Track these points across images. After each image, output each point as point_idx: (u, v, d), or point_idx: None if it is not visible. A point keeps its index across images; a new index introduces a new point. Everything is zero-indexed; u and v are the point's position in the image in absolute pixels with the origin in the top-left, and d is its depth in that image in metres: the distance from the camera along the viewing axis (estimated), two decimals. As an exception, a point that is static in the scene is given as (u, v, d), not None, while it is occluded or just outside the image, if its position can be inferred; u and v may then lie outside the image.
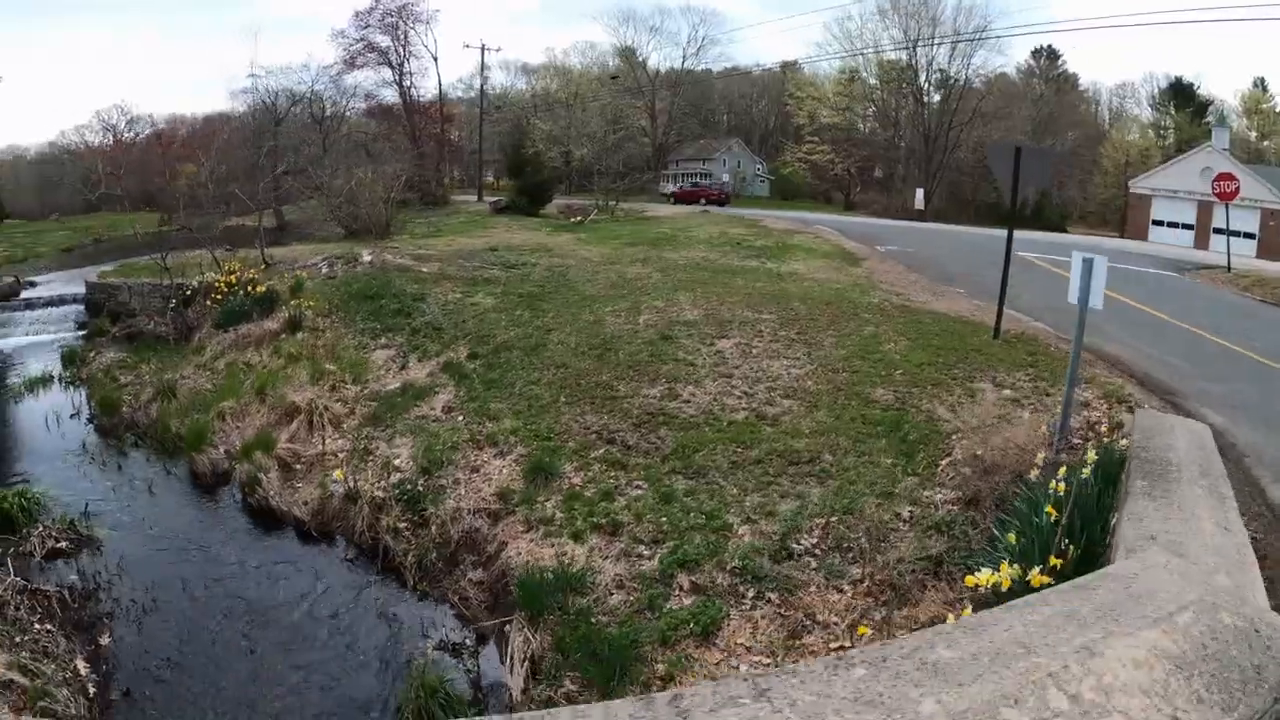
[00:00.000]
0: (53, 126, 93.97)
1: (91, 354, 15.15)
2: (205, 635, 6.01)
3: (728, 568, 5.51)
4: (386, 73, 36.60)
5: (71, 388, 13.40)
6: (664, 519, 6.40)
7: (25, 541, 7.06)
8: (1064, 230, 35.88)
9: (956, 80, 41.95)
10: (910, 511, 5.80)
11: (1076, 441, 5.91)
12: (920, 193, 39.32)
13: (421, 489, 8.37)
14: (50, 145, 33.68)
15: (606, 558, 6.43)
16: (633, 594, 5.75)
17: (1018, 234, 9.83)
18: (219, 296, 15.87)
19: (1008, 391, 7.67)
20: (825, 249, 17.27)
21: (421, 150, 35.79)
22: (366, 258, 17.85)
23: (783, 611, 5.07)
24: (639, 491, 7.12)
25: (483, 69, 54.24)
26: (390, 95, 37.17)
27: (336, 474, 8.79)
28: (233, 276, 16.49)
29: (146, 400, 12.20)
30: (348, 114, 38.76)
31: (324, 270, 17.68)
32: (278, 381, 12.00)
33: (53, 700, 4.61)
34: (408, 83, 36.32)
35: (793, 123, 52.70)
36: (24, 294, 19.32)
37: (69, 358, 15.01)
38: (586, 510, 7.00)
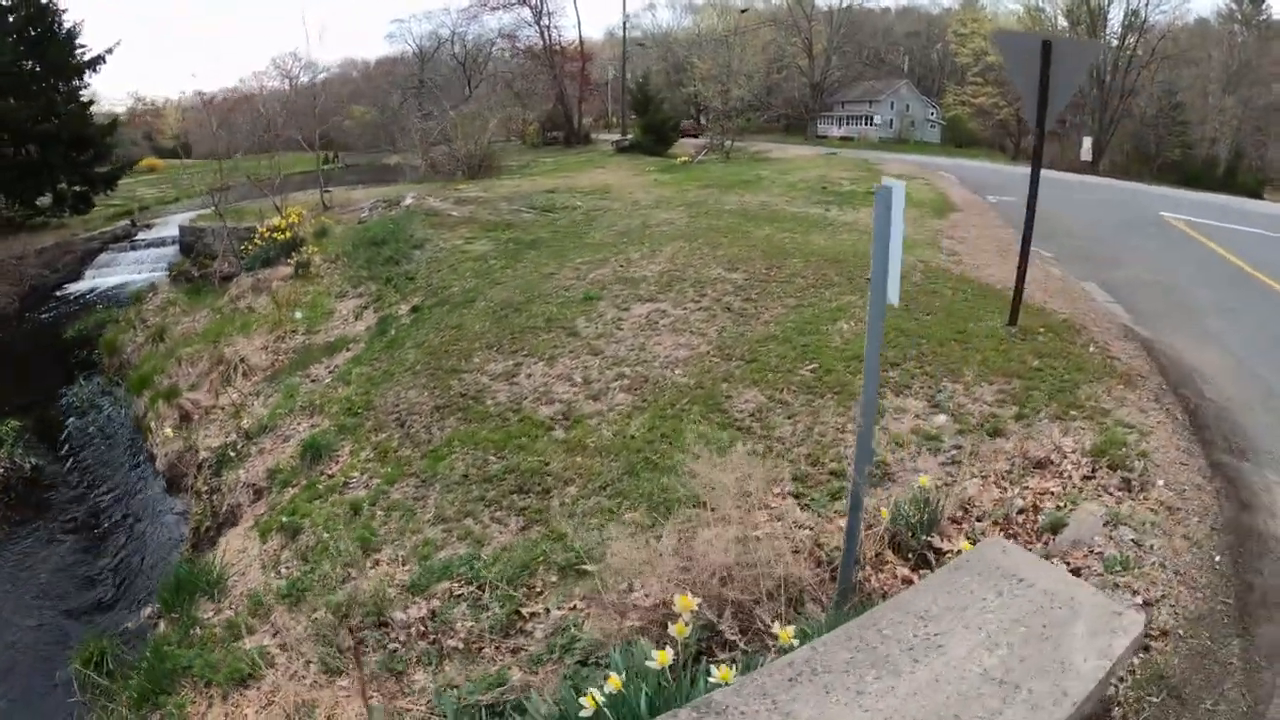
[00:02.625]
0: (233, 74, 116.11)
1: (150, 294, 18.66)
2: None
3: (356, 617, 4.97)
4: (526, 13, 40.16)
5: (116, 326, 16.60)
6: (364, 532, 6.00)
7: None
8: (1259, 196, 33.80)
9: (1146, 21, 43.02)
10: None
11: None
12: (1088, 142, 39.81)
13: (233, 454, 8.93)
14: (231, 91, 41.76)
15: (273, 565, 6.27)
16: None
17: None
18: (259, 241, 18.41)
19: (941, 419, 5.65)
20: (922, 198, 16.85)
21: (562, 90, 38.19)
22: (408, 201, 19.57)
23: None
24: (364, 492, 6.80)
25: (624, 6, 58.07)
26: (531, 35, 40.65)
27: (169, 431, 9.84)
28: (283, 221, 19.04)
29: (141, 342, 14.80)
30: (492, 55, 42.95)
31: (364, 214, 19.76)
32: (238, 329, 13.60)
33: None
34: (546, 22, 39.55)
35: (955, 61, 53.53)
36: (138, 236, 24.44)
37: (134, 297, 18.71)
38: (310, 503, 6.88)
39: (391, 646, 4.72)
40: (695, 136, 37.80)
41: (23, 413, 12.56)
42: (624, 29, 42.77)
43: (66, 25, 23.48)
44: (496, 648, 4.35)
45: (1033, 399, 5.76)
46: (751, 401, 6.39)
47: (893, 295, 3.09)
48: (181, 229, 22.72)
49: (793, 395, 6.38)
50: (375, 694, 4.35)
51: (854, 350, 7.08)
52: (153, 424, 10.90)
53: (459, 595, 4.90)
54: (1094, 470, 4.70)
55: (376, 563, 5.72)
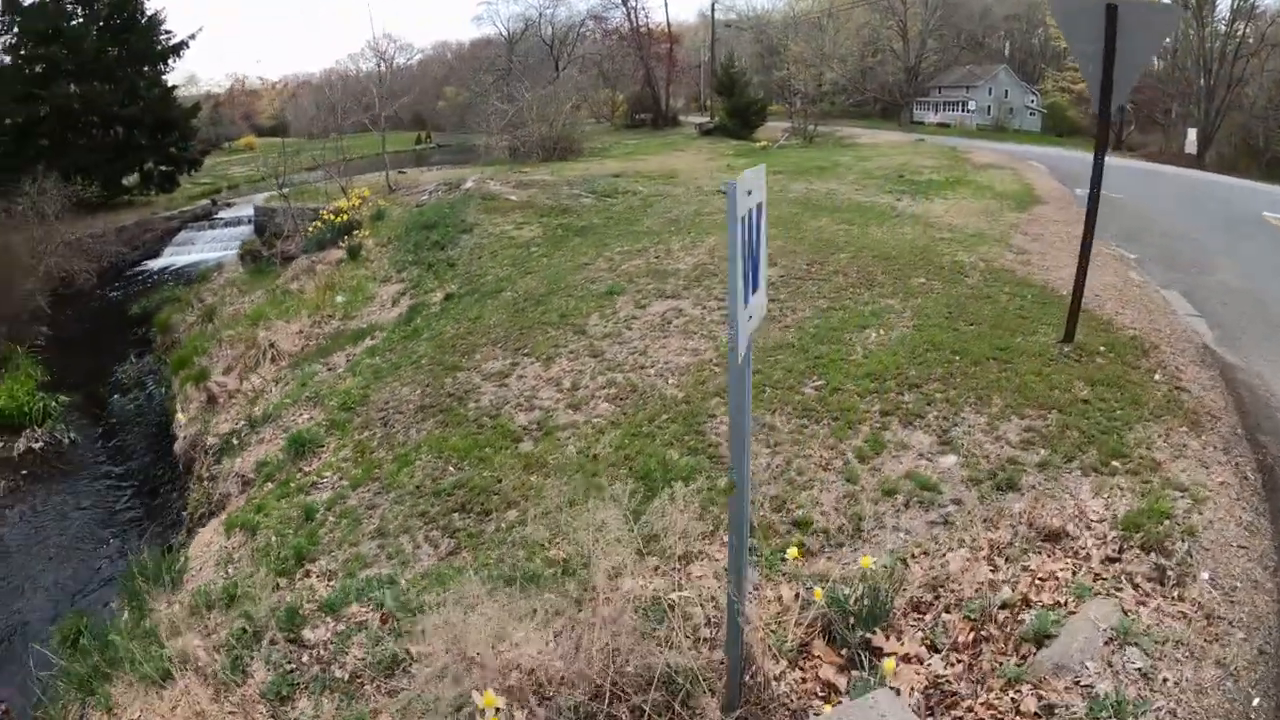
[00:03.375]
0: (329, 55, 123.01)
1: (215, 274, 19.81)
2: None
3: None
4: None
5: (173, 305, 17.72)
6: (305, 540, 6.00)
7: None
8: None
9: (1256, 6, 40.15)
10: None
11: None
12: (1192, 134, 38.50)
13: (235, 443, 9.24)
14: (327, 72, 44.44)
15: (225, 563, 6.36)
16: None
17: None
18: (319, 224, 19.19)
19: (947, 462, 5.03)
20: (1004, 189, 16.63)
21: (649, 72, 38.92)
22: (468, 184, 19.93)
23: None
24: (327, 494, 6.82)
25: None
26: (619, 17, 42.13)
27: (181, 415, 10.30)
28: (345, 203, 19.80)
29: (191, 322, 15.68)
30: (580, 37, 44.40)
31: (424, 197, 20.27)
32: (282, 311, 14.21)
33: None
34: (633, 3, 40.96)
35: (1055, 46, 51.89)
36: (218, 215, 26.13)
37: (202, 275, 19.93)
38: (277, 502, 6.97)
39: (290, 667, 4.63)
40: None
41: (76, 388, 13.58)
42: (712, 10, 42.98)
43: (149, 13, 25.46)
44: (377, 686, 4.15)
45: (1067, 442, 5.01)
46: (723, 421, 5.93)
47: (742, 338, 2.61)
48: (256, 209, 23.99)
49: (784, 419, 5.87)
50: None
51: (871, 366, 6.50)
52: (179, 406, 11.47)
53: (362, 622, 4.74)
54: (1121, 550, 3.90)
55: (308, 573, 5.66)
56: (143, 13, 25.32)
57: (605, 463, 5.73)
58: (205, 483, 9.05)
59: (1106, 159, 6.38)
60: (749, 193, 2.51)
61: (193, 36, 26.93)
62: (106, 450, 11.39)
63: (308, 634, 4.88)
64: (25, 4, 23.90)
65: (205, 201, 26.59)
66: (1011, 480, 4.66)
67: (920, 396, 5.85)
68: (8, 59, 24.73)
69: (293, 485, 7.29)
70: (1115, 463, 4.69)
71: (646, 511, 3.98)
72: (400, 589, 5.01)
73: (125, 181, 25.68)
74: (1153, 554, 3.80)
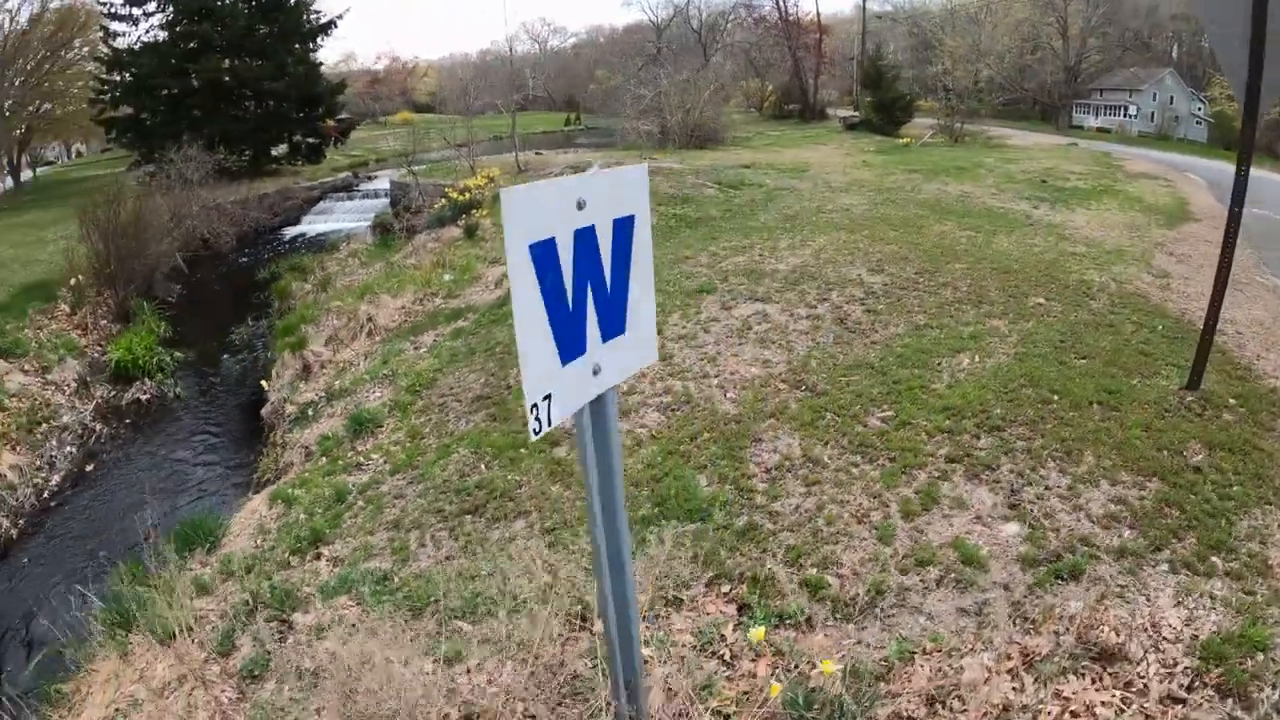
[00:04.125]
0: (485, 36, 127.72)
1: (344, 243, 21.18)
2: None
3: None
4: None
5: (295, 272, 19.09)
6: (323, 522, 6.21)
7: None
8: None
9: None
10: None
11: None
12: None
13: (310, 414, 9.77)
14: (482, 53, 46.98)
15: (258, 534, 6.68)
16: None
17: None
18: (443, 201, 20.11)
19: (1008, 531, 4.41)
20: (1155, 202, 16.23)
21: (797, 63, 39.52)
22: (592, 169, 20.25)
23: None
24: (364, 477, 7.04)
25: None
26: (767, 4, 43.01)
27: (273, 382, 10.97)
28: (472, 182, 20.66)
29: (308, 290, 16.79)
30: (729, 25, 45.01)
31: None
32: (392, 285, 14.97)
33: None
34: None
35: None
36: (360, 186, 28.00)
37: (331, 245, 21.37)
38: (321, 479, 7.27)
39: (269, 648, 4.73)
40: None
41: (193, 345, 14.87)
42: (863, 1, 42.11)
43: None
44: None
45: (1160, 523, 4.23)
46: (779, 453, 5.51)
47: (561, 409, 2.14)
48: (391, 183, 25.52)
49: (834, 453, 5.40)
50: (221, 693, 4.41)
51: (953, 399, 5.89)
52: (274, 372, 12.27)
53: (342, 616, 4.78)
54: (1190, 687, 3.13)
55: (319, 555, 5.82)
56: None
57: (630, 481, 5.49)
58: (277, 449, 9.61)
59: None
60: (580, 205, 2.05)
61: (340, 16, 29.86)
62: (206, 407, 12.36)
63: (298, 617, 4.98)
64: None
65: (346, 173, 28.50)
66: (1076, 568, 3.94)
67: (998, 443, 5.20)
68: (164, 35, 27.68)
69: (340, 463, 7.56)
70: (1215, 559, 3.89)
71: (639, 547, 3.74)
72: (391, 586, 5.02)
73: (274, 152, 27.98)
74: (1230, 701, 3.05)
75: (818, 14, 43.50)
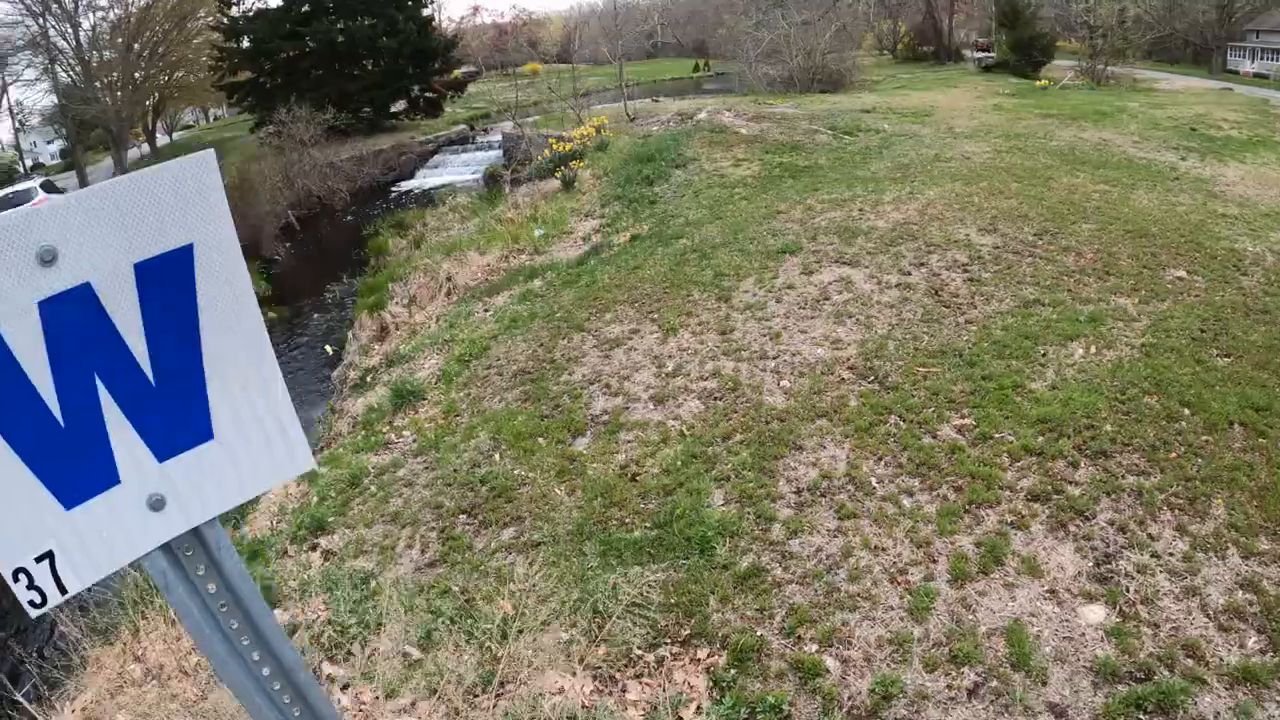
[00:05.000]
0: None
1: (449, 197, 21.29)
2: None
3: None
4: None
5: (395, 229, 19.33)
6: (326, 510, 5.95)
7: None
8: None
9: None
10: None
11: None
12: None
13: (370, 380, 9.64)
14: (608, 3, 46.43)
15: (278, 515, 6.50)
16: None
17: None
18: (548, 152, 19.78)
19: (1092, 615, 3.33)
20: None
21: (932, 2, 37.87)
22: (702, 115, 19.36)
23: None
24: (385, 458, 6.73)
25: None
26: None
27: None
28: (578, 132, 20.24)
29: (400, 248, 16.87)
30: None
31: (655, 128, 19.94)
32: (483, 242, 14.81)
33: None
34: None
35: None
36: (478, 139, 28.16)
37: (438, 198, 21.54)
38: (351, 455, 7.05)
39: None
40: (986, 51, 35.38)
41: (288, 303, 15.29)
42: None
43: None
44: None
45: None
46: (818, 468, 4.62)
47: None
48: (504, 135, 25.48)
49: (887, 473, 4.46)
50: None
51: (1052, 408, 4.84)
52: (351, 333, 12.31)
53: (312, 621, 4.40)
54: None
55: (314, 546, 5.52)
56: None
57: (638, 490, 4.79)
58: (333, 416, 9.53)
59: None
60: (46, 258, 1.19)
61: None
62: (286, 366, 12.56)
63: (277, 613, 4.75)
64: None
65: (462, 126, 28.78)
66: (1168, 699, 2.84)
67: (1100, 476, 4.09)
68: (278, 2, 28.93)
69: (372, 439, 7.26)
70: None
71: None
72: (366, 593, 4.61)
73: (394, 109, 28.72)
74: None
75: None
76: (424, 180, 25.81)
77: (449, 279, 12.93)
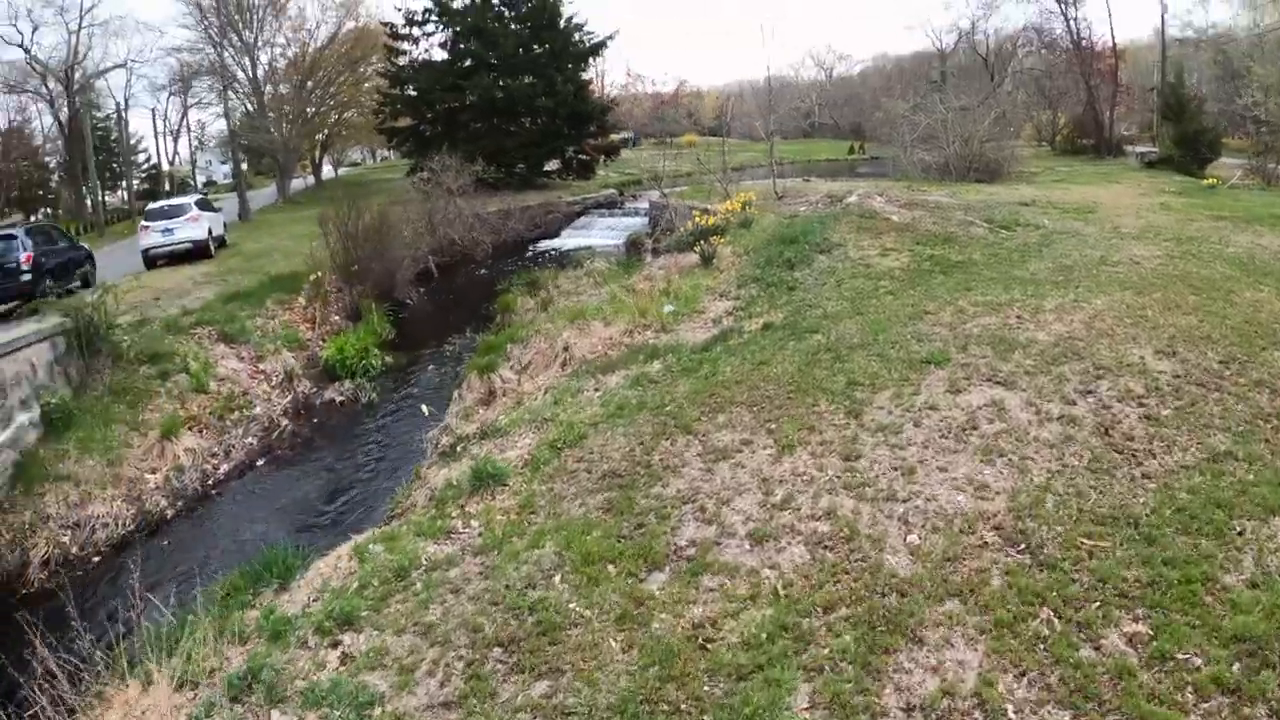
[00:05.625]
0: (772, 63, 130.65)
1: (587, 261, 21.32)
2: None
3: None
4: (1050, 3, 38.44)
5: (526, 288, 19.39)
6: (363, 603, 5.47)
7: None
8: None
9: None
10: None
11: None
12: None
13: (459, 450, 9.25)
14: (767, 80, 47.67)
15: (321, 592, 6.06)
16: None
17: None
18: (690, 225, 19.50)
19: None
20: None
21: (1091, 93, 36.43)
22: (851, 198, 18.75)
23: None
24: (446, 550, 6.17)
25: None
26: (1058, 28, 38.93)
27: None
28: (725, 206, 19.91)
29: (527, 309, 16.77)
30: (1017, 50, 42.34)
31: (803, 208, 19.36)
32: (609, 312, 14.48)
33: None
34: (1073, 14, 37.72)
35: None
36: (626, 204, 28.57)
37: (576, 261, 21.61)
38: (407, 539, 6.60)
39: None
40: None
41: (408, 351, 15.38)
42: (1162, 21, 36.42)
43: (568, 16, 29.99)
44: None
45: None
46: (941, 677, 3.64)
47: None
48: (651, 203, 25.58)
49: (1034, 697, 3.48)
50: None
51: (1252, 620, 3.78)
52: (456, 394, 12.05)
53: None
54: None
55: (336, 643, 5.07)
56: (559, 16, 29.74)
57: (706, 664, 3.93)
58: (413, 483, 9.14)
59: None
60: None
61: (610, 37, 31.07)
62: (387, 419, 12.47)
63: (275, 714, 4.48)
64: (455, 7, 29.38)
65: (612, 191, 29.25)
66: None
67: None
68: (442, 54, 30.95)
69: (437, 524, 6.75)
70: None
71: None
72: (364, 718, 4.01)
73: (547, 167, 29.71)
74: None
75: (1112, 39, 38.75)
76: (566, 241, 26.14)
77: (566, 349, 12.55)
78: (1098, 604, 4.03)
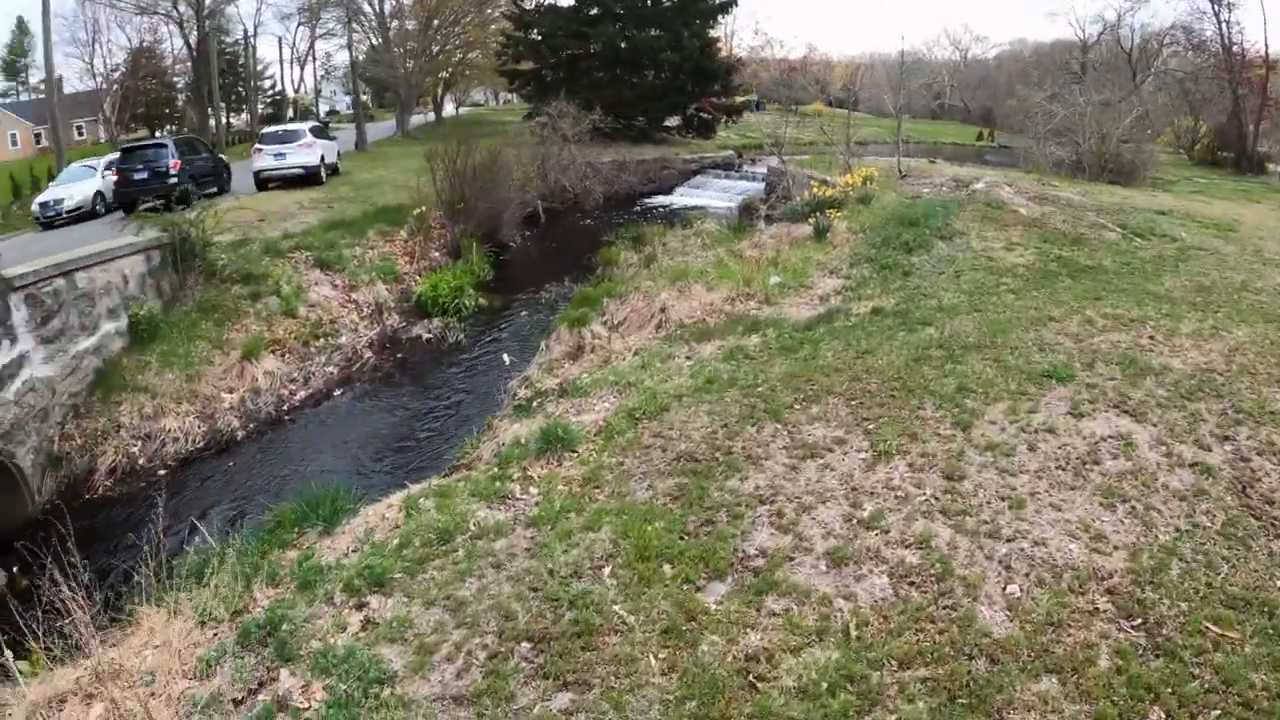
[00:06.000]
0: (902, 38, 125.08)
1: (698, 221, 20.62)
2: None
3: None
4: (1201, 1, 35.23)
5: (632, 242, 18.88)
6: (391, 564, 5.14)
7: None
8: None
9: None
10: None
11: None
12: None
13: (535, 405, 8.92)
14: (900, 54, 45.88)
15: (360, 544, 5.78)
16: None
17: None
18: (807, 195, 18.59)
19: None
20: None
21: (1237, 102, 33.73)
22: (978, 185, 17.91)
23: None
24: (500, 516, 5.81)
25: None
26: (1208, 30, 35.90)
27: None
28: (845, 179, 18.92)
29: (629, 263, 16.24)
30: (1162, 49, 39.75)
31: (926, 190, 18.62)
32: (713, 276, 13.86)
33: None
34: (1226, 16, 34.59)
35: None
36: (744, 168, 27.72)
37: (686, 220, 20.94)
38: (457, 499, 6.27)
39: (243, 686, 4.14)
40: None
41: (504, 294, 15.12)
42: None
43: None
44: None
45: None
46: None
47: None
48: (769, 169, 24.62)
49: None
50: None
51: None
52: (544, 344, 11.68)
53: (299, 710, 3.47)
54: None
55: (361, 604, 4.86)
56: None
57: (752, 707, 3.38)
58: (483, 434, 8.83)
59: None
60: None
61: None
62: (472, 362, 12.22)
63: (283, 675, 4.26)
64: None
65: (730, 152, 28.45)
66: None
67: None
68: (569, 0, 30.33)
69: (495, 485, 6.38)
70: None
71: None
72: (367, 705, 3.67)
73: (666, 123, 29.06)
74: None
75: (1265, 47, 34.87)
76: (680, 198, 25.51)
77: (663, 310, 12.00)
78: (1218, 712, 3.27)
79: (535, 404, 8.95)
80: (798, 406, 6.92)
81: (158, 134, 41.33)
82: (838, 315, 10.60)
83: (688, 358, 9.68)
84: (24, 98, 52.98)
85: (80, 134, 47.67)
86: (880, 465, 5.63)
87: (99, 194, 17.71)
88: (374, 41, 33.84)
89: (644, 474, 6.07)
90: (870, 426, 6.26)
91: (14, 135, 47.99)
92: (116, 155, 17.60)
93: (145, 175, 15.78)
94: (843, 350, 8.44)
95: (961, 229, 13.55)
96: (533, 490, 6.25)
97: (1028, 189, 17.32)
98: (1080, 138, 22.96)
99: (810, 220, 16.04)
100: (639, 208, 24.59)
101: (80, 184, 18.18)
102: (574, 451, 6.91)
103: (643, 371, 9.17)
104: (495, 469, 6.90)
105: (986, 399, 6.48)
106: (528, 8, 31.86)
